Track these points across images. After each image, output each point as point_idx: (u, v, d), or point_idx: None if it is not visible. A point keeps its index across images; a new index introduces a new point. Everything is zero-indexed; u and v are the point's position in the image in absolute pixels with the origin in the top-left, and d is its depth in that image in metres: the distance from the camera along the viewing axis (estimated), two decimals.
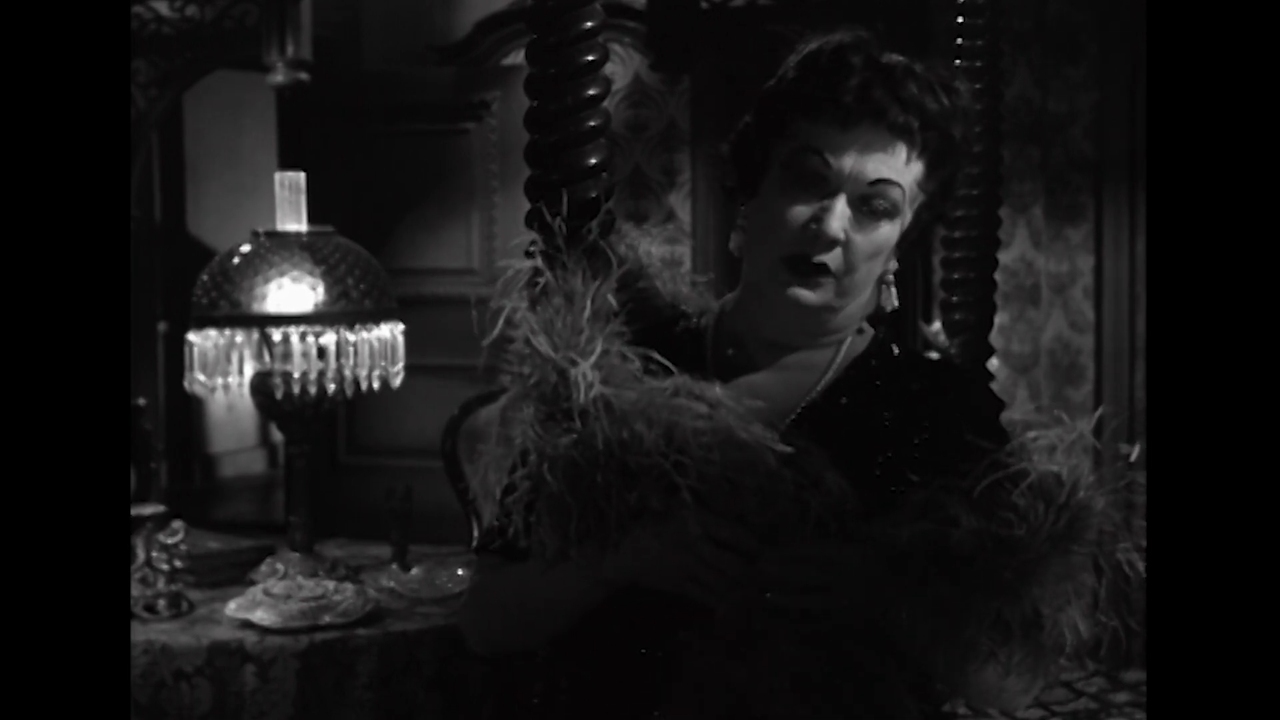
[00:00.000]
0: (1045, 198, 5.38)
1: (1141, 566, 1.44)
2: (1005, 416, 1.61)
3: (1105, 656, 5.01)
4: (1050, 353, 5.42)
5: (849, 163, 1.53)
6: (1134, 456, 1.47)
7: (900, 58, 1.56)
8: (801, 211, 1.54)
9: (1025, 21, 5.26)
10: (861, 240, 1.55)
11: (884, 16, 1.62)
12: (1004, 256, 5.00)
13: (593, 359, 1.46)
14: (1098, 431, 1.50)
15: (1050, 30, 5.34)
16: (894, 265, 1.61)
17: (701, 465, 1.42)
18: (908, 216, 1.57)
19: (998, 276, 2.79)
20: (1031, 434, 1.50)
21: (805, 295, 1.56)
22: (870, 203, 1.54)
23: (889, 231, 1.56)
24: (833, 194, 1.54)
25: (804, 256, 1.55)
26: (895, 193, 1.54)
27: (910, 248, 1.63)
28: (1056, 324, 5.41)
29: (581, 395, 1.44)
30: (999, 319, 3.08)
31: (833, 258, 1.55)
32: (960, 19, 2.65)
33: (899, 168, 1.54)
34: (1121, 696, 4.86)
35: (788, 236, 1.55)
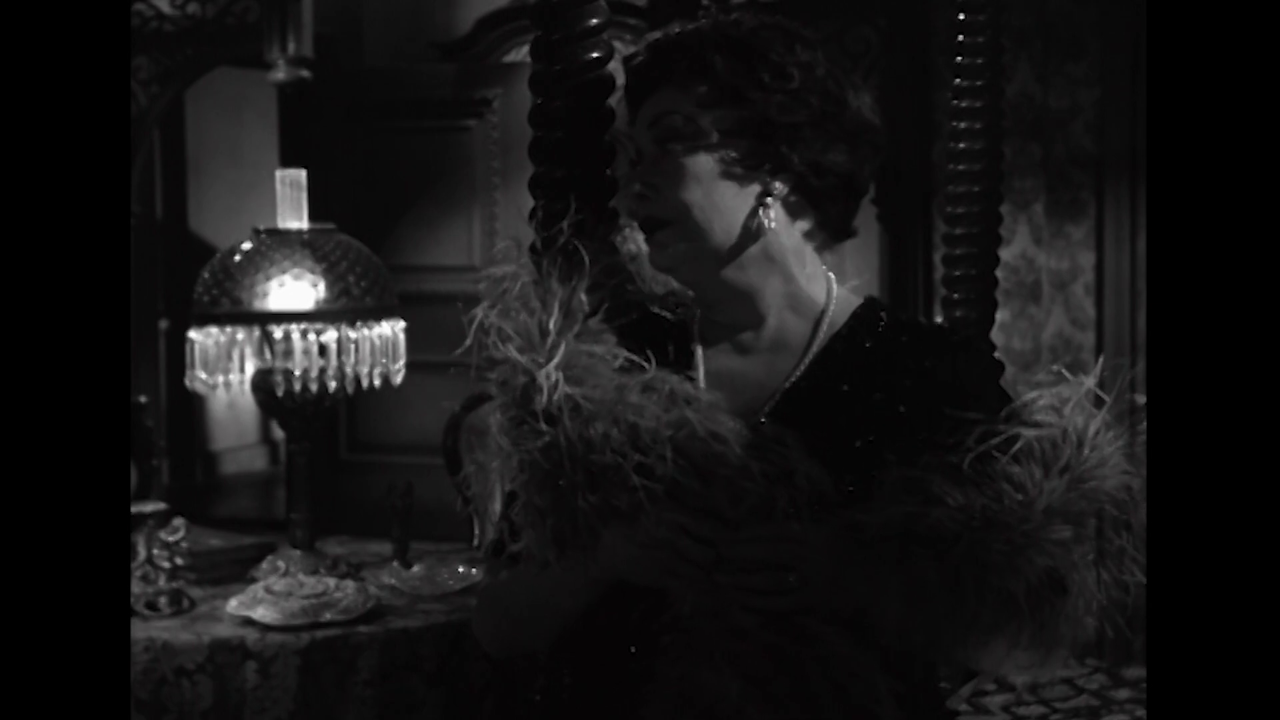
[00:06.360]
0: (1046, 194, 5.38)
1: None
2: (1008, 380, 1.59)
3: (1106, 652, 5.01)
4: (1051, 349, 5.42)
5: (641, 126, 1.60)
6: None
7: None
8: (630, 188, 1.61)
9: (1026, 18, 5.25)
10: (663, 176, 1.57)
11: (885, 14, 1.61)
12: (1005, 253, 4.97)
13: (556, 360, 1.45)
14: (1101, 384, 1.49)
15: (1051, 27, 5.33)
16: (773, 193, 1.57)
17: (662, 464, 1.41)
18: (714, 138, 1.56)
19: (999, 273, 2.78)
20: (1032, 394, 1.49)
21: (661, 256, 1.60)
22: (656, 140, 1.58)
23: (695, 160, 1.56)
24: (639, 159, 1.62)
25: (639, 219, 1.61)
26: (673, 120, 1.57)
27: (812, 173, 1.58)
28: (1058, 321, 5.41)
29: (545, 398, 1.44)
30: (1000, 316, 3.07)
31: (656, 209, 1.58)
32: (961, 16, 2.65)
33: (673, 101, 1.57)
34: (1123, 693, 4.86)
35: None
